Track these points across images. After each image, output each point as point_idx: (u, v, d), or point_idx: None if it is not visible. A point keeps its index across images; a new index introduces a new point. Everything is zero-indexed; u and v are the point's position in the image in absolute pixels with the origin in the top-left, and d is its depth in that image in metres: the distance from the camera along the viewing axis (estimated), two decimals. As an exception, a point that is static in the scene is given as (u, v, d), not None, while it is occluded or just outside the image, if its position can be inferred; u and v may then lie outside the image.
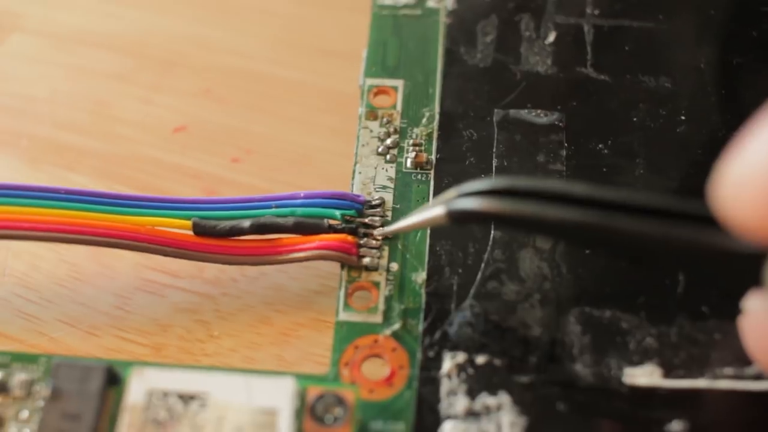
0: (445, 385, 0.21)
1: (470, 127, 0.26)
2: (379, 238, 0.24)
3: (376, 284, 0.23)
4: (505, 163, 0.25)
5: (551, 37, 0.28)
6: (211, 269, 0.25)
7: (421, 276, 0.23)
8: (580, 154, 0.25)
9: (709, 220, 0.18)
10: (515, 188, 0.20)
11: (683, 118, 0.26)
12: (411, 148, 0.26)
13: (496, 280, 0.23)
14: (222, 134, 0.28)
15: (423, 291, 0.23)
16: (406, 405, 0.21)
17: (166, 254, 0.23)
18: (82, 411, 0.20)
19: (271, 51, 0.30)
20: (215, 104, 0.29)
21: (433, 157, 0.25)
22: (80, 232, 0.22)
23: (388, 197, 0.25)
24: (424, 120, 0.26)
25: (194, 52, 0.30)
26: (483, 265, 0.23)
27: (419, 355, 0.22)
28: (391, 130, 0.26)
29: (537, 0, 0.29)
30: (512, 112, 0.26)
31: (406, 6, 0.29)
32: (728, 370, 0.21)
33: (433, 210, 0.21)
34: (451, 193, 0.21)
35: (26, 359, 0.22)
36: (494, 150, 0.26)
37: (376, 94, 0.27)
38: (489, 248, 0.24)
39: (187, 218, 0.23)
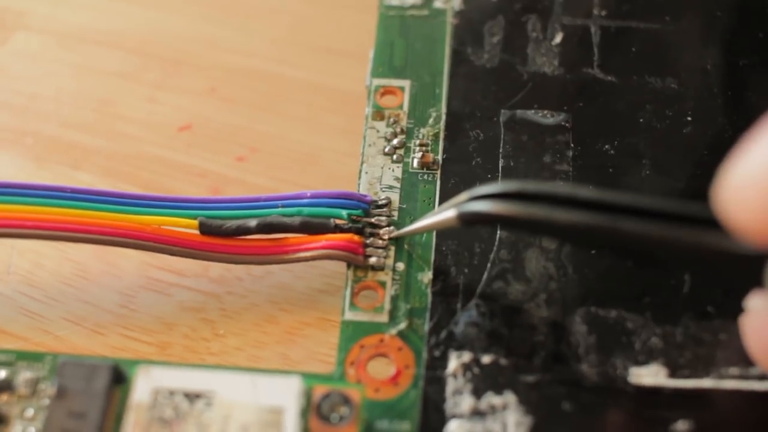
0: (450, 385, 0.21)
1: (477, 127, 0.26)
2: (386, 237, 0.24)
3: (382, 284, 0.23)
4: (512, 164, 0.25)
5: (558, 38, 0.28)
6: (216, 268, 0.25)
7: (427, 276, 0.23)
8: (586, 155, 0.25)
9: (712, 223, 0.18)
10: (525, 192, 0.20)
11: (689, 119, 0.26)
12: (417, 148, 0.26)
13: (502, 280, 0.23)
14: (227, 133, 0.28)
15: (429, 290, 0.23)
16: (411, 404, 0.21)
17: (172, 253, 0.23)
18: (88, 409, 0.20)
19: (278, 50, 0.30)
20: (221, 103, 0.29)
21: (439, 157, 0.25)
22: (86, 231, 0.22)
23: (395, 197, 0.25)
24: (430, 120, 0.26)
25: (200, 50, 0.30)
26: (489, 264, 0.23)
27: (425, 355, 0.22)
28: (398, 130, 0.26)
29: (544, 1, 0.29)
30: (519, 112, 0.26)
31: (413, 6, 0.29)
32: (733, 370, 0.21)
33: (445, 213, 0.22)
34: (462, 196, 0.21)
35: (31, 357, 0.22)
36: (501, 150, 0.26)
37: (383, 94, 0.27)
38: (495, 248, 0.24)
39: (194, 218, 0.23)
